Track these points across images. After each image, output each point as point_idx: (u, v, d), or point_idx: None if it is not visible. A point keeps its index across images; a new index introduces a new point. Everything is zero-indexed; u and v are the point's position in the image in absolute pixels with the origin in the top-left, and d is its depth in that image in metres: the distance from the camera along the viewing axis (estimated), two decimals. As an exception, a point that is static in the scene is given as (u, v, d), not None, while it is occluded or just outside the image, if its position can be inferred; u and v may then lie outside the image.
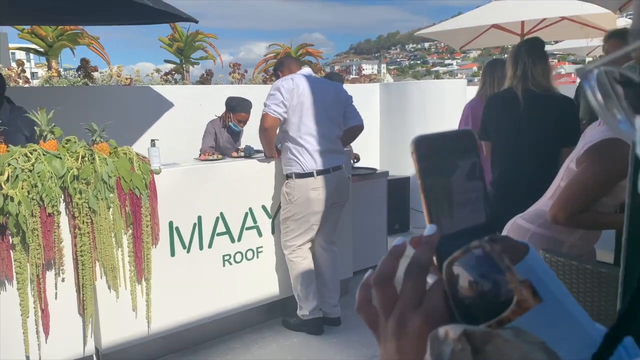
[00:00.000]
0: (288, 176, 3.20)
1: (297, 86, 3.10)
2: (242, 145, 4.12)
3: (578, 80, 4.09)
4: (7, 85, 3.58)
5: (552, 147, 2.74)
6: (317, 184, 3.14)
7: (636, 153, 0.35)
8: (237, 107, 4.24)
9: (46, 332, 2.63)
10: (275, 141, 3.29)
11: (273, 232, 3.44)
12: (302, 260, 3.24)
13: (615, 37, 3.18)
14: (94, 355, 2.87)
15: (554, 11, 7.01)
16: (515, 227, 2.07)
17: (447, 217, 0.48)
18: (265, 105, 3.12)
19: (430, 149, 0.49)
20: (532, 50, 2.79)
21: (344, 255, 3.68)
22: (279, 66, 3.42)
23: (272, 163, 3.39)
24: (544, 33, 7.73)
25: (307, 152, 3.12)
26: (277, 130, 3.21)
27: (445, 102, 5.66)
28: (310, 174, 3.12)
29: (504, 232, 2.10)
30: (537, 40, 2.91)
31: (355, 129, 3.46)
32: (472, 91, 5.63)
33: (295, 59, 3.50)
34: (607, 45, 3.23)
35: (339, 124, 3.34)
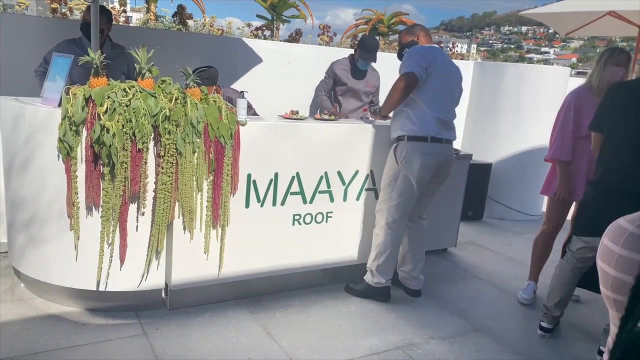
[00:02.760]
0: (399, 138, 3.17)
1: (434, 56, 3.11)
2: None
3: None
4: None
5: None
6: (429, 150, 3.10)
7: None
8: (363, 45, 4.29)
9: (122, 261, 2.78)
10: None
11: (345, 200, 3.40)
12: (397, 233, 3.23)
13: None
14: (163, 290, 3.01)
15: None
16: (615, 226, 1.90)
17: None
18: (407, 65, 3.06)
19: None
20: None
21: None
22: (419, 30, 3.36)
23: (354, 130, 3.33)
24: (667, 26, 6.99)
25: (427, 118, 3.10)
26: None
27: (543, 89, 5.29)
28: (425, 139, 3.09)
29: (606, 233, 1.94)
30: None
31: None
32: (574, 82, 5.22)
33: (427, 30, 3.44)
34: None
35: (457, 103, 3.36)
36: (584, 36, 8.37)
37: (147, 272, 2.88)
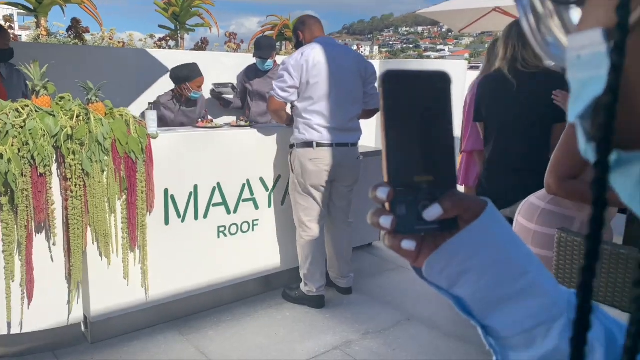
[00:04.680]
0: (291, 146, 3.17)
1: (306, 62, 3.01)
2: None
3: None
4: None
5: (543, 123, 2.83)
6: (315, 155, 3.08)
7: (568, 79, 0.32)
8: (193, 74, 4.03)
9: (30, 298, 2.53)
10: (287, 113, 3.25)
11: (270, 206, 3.36)
12: (311, 239, 3.19)
13: None
14: (82, 323, 2.79)
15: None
16: (528, 205, 2.04)
17: (408, 161, 0.45)
18: (273, 87, 3.08)
19: (400, 86, 0.45)
20: (523, 33, 2.76)
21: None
22: (300, 26, 3.27)
23: (272, 134, 3.29)
24: (546, 19, 7.67)
25: (312, 127, 3.07)
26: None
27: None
28: (309, 144, 3.07)
29: (519, 211, 2.07)
30: None
31: (374, 112, 3.37)
32: (470, 76, 5.55)
33: (317, 20, 3.32)
34: None
35: (357, 100, 3.20)
36: (474, 32, 9.02)
37: (63, 306, 2.65)
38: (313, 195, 3.14)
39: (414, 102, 0.45)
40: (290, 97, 3.06)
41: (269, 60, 4.32)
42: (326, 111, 3.08)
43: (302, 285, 3.29)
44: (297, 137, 3.11)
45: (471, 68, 6.27)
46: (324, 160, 3.09)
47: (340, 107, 3.11)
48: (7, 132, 2.28)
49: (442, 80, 0.46)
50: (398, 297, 3.47)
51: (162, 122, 4.03)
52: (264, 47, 4.28)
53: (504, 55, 2.87)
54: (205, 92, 4.34)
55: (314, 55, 3.03)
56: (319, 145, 3.08)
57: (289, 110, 3.25)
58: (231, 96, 4.61)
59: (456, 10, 7.67)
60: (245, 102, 4.58)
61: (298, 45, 3.22)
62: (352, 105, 3.18)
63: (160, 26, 6.82)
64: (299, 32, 3.24)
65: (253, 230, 3.30)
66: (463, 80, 5.69)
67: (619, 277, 1.55)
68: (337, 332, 2.97)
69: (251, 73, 4.49)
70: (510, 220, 3.08)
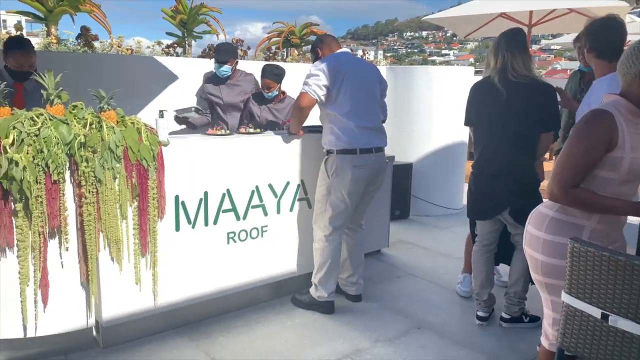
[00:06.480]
0: (329, 152, 3.16)
1: (340, 66, 3.08)
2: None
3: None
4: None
5: (530, 132, 2.97)
6: (360, 162, 3.10)
7: None
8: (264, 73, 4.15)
9: (44, 302, 2.56)
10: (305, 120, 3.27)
11: (278, 212, 3.37)
12: (334, 244, 3.21)
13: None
14: (94, 328, 2.81)
15: (563, 2, 6.93)
16: (537, 213, 2.05)
17: None
18: (305, 83, 3.08)
19: None
20: (512, 43, 2.99)
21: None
22: (319, 44, 3.35)
23: (281, 141, 3.31)
24: (551, 25, 7.69)
25: (352, 130, 3.08)
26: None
27: (452, 89, 5.57)
28: (353, 151, 3.08)
29: (529, 220, 2.07)
30: (517, 32, 3.08)
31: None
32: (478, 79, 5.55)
33: (334, 37, 3.43)
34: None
35: (381, 107, 3.35)
36: (479, 37, 9.04)
37: (75, 311, 2.67)
38: (347, 202, 3.14)
39: None
40: (323, 96, 3.07)
41: (225, 66, 4.25)
42: (365, 115, 3.14)
43: (312, 290, 3.30)
44: (336, 143, 3.10)
45: (477, 72, 6.27)
46: (367, 166, 3.13)
47: (373, 112, 3.23)
48: (23, 140, 2.31)
49: None
50: (408, 305, 3.47)
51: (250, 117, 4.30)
52: (222, 51, 4.27)
53: (494, 64, 3.00)
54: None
55: (344, 61, 3.13)
56: (362, 151, 3.10)
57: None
58: (197, 116, 4.32)
59: (462, 16, 7.70)
60: (214, 115, 4.46)
61: (316, 61, 3.26)
62: (379, 110, 3.31)
63: (167, 33, 6.86)
64: (318, 49, 3.32)
65: (262, 236, 3.31)
66: (470, 85, 5.69)
67: (634, 288, 1.55)
68: (347, 339, 2.97)
69: (212, 85, 4.39)
70: (505, 227, 3.11)
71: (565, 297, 1.77)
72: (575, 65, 4.70)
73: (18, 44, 3.34)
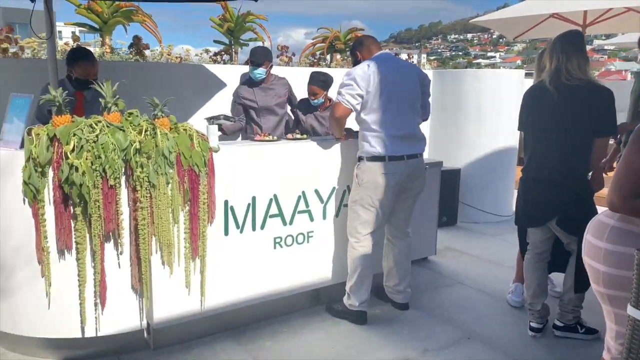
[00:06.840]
0: (360, 158, 3.16)
1: (373, 72, 3.04)
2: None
3: (629, 77, 3.93)
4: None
5: (582, 136, 2.86)
6: (388, 169, 3.06)
7: None
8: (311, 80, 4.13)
9: (102, 304, 2.65)
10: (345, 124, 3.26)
11: (324, 218, 3.37)
12: (365, 251, 3.17)
13: None
14: (145, 330, 2.88)
15: (620, 2, 6.62)
16: (596, 222, 1.97)
17: None
18: (339, 93, 3.08)
19: None
20: (568, 44, 2.91)
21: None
22: (358, 46, 3.32)
23: (327, 147, 3.31)
24: (607, 24, 7.35)
25: (381, 138, 3.06)
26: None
27: (502, 92, 5.43)
28: (381, 158, 3.06)
29: (587, 229, 1.98)
30: (574, 33, 3.01)
31: (422, 122, 3.36)
32: (528, 83, 5.39)
33: (375, 39, 3.38)
34: None
35: (418, 111, 3.27)
36: (527, 39, 8.78)
37: (128, 312, 2.75)
38: (377, 209, 3.11)
39: None
40: (357, 105, 3.06)
41: (260, 68, 4.19)
42: (395, 122, 3.09)
43: (345, 298, 3.26)
44: (368, 150, 3.08)
45: (526, 75, 6.08)
46: (395, 173, 3.09)
47: (407, 118, 3.16)
48: (82, 146, 2.40)
49: None
50: (457, 314, 3.38)
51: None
52: (257, 54, 4.24)
53: (549, 67, 2.93)
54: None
55: (379, 67, 3.07)
56: (391, 158, 3.07)
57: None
58: (229, 123, 4.17)
59: (511, 17, 7.48)
60: (247, 119, 4.43)
61: (356, 64, 3.23)
62: (416, 115, 3.24)
63: (215, 41, 7.03)
64: (357, 52, 3.29)
65: (308, 241, 3.32)
66: (521, 89, 5.53)
67: None
68: (394, 348, 2.93)
69: (246, 88, 4.35)
70: (553, 234, 2.98)
71: (631, 311, 1.68)
72: (631, 66, 4.48)
73: (85, 55, 3.51)
